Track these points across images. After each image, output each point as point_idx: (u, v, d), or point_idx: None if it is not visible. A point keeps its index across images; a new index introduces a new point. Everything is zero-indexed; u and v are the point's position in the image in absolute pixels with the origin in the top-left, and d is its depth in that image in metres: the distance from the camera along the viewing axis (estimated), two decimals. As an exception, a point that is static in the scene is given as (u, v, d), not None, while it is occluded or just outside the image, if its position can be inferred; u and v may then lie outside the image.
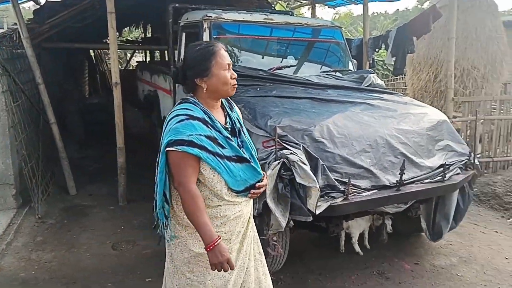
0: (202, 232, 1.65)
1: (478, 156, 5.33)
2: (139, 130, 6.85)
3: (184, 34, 4.39)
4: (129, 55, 15.45)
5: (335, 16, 19.49)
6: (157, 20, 7.91)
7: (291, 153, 2.59)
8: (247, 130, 3.02)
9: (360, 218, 3.32)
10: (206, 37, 3.91)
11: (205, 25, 3.96)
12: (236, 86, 1.83)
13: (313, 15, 7.44)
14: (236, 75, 1.81)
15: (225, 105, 1.90)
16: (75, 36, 7.03)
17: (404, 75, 10.59)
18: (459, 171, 3.23)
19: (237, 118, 1.90)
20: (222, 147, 1.73)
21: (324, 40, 4.69)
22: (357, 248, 3.42)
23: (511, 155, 5.46)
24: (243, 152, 1.80)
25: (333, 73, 4.28)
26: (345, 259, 3.36)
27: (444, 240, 3.73)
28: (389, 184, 2.85)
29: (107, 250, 3.45)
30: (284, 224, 2.52)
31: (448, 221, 3.36)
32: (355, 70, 4.62)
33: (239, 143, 1.82)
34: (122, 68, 12.53)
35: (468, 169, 3.33)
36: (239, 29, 4.43)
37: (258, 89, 3.58)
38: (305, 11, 12.32)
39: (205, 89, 1.75)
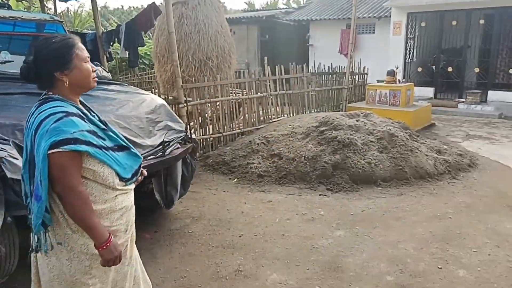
0: (97, 232, 1.63)
1: (215, 133, 6.29)
2: None
3: None
4: None
5: (81, 10, 18.53)
6: None
7: (-1, 150, 2.53)
8: None
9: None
10: None
11: None
12: (96, 78, 1.81)
13: (43, 8, 7.02)
14: (96, 68, 1.80)
15: (82, 100, 1.83)
16: None
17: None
18: (178, 145, 3.80)
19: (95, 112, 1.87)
20: (103, 139, 1.72)
21: (39, 34, 4.55)
22: None
23: (236, 129, 6.65)
24: (122, 140, 1.81)
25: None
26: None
27: (182, 207, 4.35)
28: (112, 166, 3.14)
29: None
30: (0, 222, 2.47)
31: (177, 190, 3.92)
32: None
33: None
34: None
35: (187, 143, 3.95)
36: None
37: (-40, 88, 3.26)
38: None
39: (66, 83, 1.68)
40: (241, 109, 6.93)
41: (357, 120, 5.93)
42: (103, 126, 1.78)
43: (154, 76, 13.26)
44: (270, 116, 7.05)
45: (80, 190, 1.60)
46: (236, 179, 5.33)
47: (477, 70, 11.02)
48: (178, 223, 4.01)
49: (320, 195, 4.71)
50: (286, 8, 21.25)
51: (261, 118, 6.95)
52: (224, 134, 6.42)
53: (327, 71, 8.86)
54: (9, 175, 2.50)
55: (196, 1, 9.44)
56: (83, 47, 1.75)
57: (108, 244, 1.65)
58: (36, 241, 1.69)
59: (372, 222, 3.97)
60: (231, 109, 6.59)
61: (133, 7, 24.58)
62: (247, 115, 6.74)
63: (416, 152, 5.46)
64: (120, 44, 5.98)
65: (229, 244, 3.56)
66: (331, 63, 8.99)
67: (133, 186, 1.88)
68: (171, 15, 5.39)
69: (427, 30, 11.80)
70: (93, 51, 6.11)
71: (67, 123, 1.58)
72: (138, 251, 3.43)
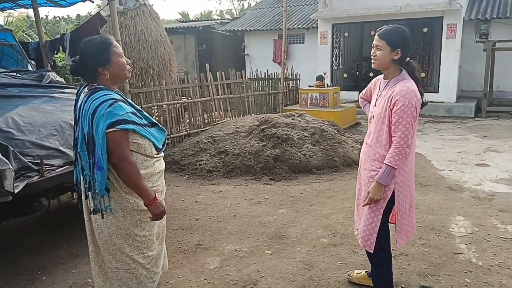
0: (145, 192, 2.02)
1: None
2: None
3: None
4: None
5: (10, 19, 17.70)
6: None
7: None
8: None
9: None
10: None
11: None
12: (131, 70, 2.20)
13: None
14: (129, 60, 2.15)
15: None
16: None
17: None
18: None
19: None
20: (141, 118, 2.10)
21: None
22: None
23: (182, 131, 7.07)
24: (152, 118, 2.22)
25: (11, 74, 4.43)
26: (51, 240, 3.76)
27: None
28: (79, 159, 3.46)
29: None
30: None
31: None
32: (34, 70, 4.89)
33: None
34: None
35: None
36: None
37: None
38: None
39: (107, 76, 2.05)
40: (186, 113, 7.36)
41: (292, 119, 6.63)
42: (139, 108, 2.19)
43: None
44: (214, 119, 7.55)
45: (131, 159, 2.00)
46: (186, 175, 5.75)
47: (394, 75, 12.37)
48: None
49: (264, 184, 5.29)
50: (220, 19, 21.92)
51: (206, 120, 7.43)
52: (171, 136, 6.81)
53: (263, 77, 9.55)
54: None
55: (135, 11, 9.73)
56: (118, 44, 2.11)
57: (155, 201, 2.05)
58: (94, 205, 2.06)
59: (309, 201, 4.62)
60: (177, 113, 7.00)
61: (59, 17, 23.55)
62: (192, 118, 7.18)
63: (343, 144, 6.26)
64: (65, 53, 6.15)
65: (188, 226, 4.00)
66: (267, 70, 9.71)
67: (162, 154, 2.29)
68: (117, 24, 5.72)
69: (350, 40, 13.04)
70: (36, 60, 6.21)
71: (117, 107, 1.96)
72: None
